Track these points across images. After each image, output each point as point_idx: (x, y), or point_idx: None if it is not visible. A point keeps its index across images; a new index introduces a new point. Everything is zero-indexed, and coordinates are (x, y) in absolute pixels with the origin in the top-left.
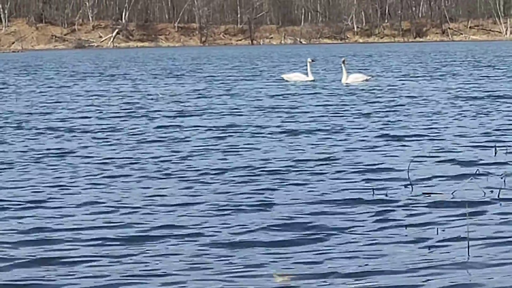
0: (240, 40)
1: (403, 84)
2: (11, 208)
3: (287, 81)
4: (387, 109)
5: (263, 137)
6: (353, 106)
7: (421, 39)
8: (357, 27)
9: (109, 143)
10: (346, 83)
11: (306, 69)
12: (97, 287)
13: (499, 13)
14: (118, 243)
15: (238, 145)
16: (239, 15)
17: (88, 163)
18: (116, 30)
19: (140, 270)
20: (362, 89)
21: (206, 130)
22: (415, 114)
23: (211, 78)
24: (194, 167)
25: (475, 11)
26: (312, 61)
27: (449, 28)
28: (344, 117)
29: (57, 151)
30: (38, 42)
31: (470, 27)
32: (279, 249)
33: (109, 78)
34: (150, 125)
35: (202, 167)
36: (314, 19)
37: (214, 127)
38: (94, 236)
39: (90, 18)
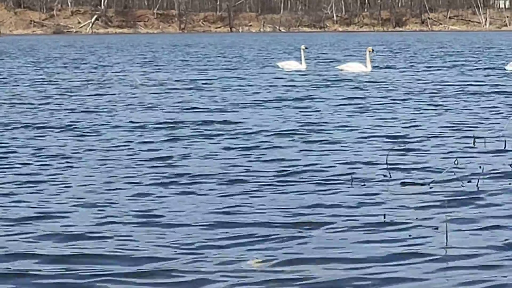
0: (219, 27)
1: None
2: None
3: (281, 68)
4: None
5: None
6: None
7: (400, 29)
8: (337, 16)
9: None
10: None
11: (300, 57)
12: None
13: (479, 3)
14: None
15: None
16: (218, 2)
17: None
18: (95, 16)
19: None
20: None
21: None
22: (393, 105)
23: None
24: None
25: (454, 2)
26: (306, 48)
27: (428, 18)
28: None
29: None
30: (17, 27)
31: (449, 17)
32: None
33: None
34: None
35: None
36: (294, 7)
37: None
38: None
39: (69, 4)
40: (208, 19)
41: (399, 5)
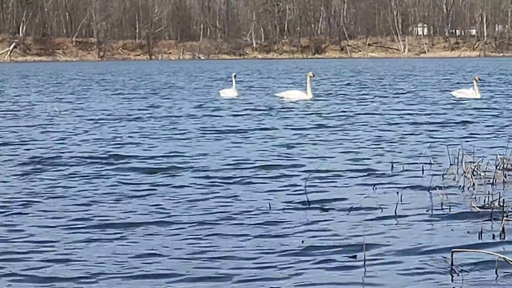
0: (138, 55)
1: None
2: None
3: (283, 99)
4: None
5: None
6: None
7: (320, 56)
8: (256, 43)
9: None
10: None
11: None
12: None
13: (397, 30)
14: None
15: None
16: (137, 30)
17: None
18: (13, 44)
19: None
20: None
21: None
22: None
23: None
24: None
25: (373, 29)
26: (313, 75)
27: (347, 45)
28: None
29: None
30: None
31: (368, 44)
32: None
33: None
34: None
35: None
36: (213, 35)
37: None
38: None
39: None
40: (127, 46)
41: (318, 32)
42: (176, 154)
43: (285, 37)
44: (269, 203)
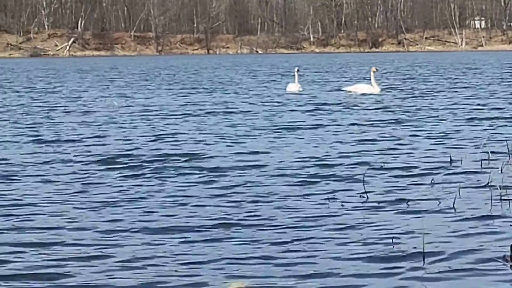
0: (196, 49)
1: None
2: None
3: (350, 93)
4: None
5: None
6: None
7: (377, 49)
8: (313, 37)
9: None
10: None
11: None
12: None
13: (455, 24)
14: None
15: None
16: (195, 25)
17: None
18: (72, 39)
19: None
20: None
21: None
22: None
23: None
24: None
25: (431, 22)
26: (376, 70)
27: (404, 38)
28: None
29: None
30: None
31: (426, 38)
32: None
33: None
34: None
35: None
36: (271, 29)
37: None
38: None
39: (46, 27)
40: (185, 41)
41: (376, 26)
42: (249, 152)
43: (342, 31)
44: (328, 197)
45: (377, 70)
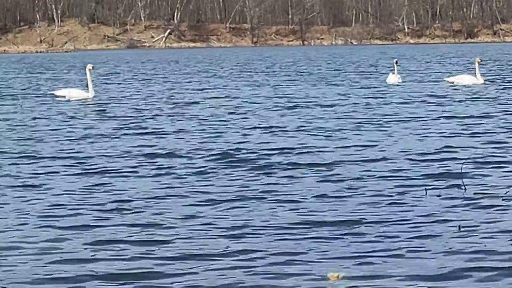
0: (291, 40)
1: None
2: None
3: (452, 84)
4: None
5: None
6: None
7: (472, 40)
8: (408, 28)
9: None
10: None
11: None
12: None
13: None
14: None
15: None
16: (290, 16)
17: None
18: (168, 31)
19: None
20: None
21: None
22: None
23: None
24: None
25: None
26: (481, 61)
27: (500, 29)
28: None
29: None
30: (90, 42)
31: None
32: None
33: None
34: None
35: None
36: (365, 20)
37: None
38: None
39: (142, 18)
40: (280, 32)
41: (471, 16)
42: (354, 145)
43: (437, 21)
44: (425, 189)
45: (481, 61)
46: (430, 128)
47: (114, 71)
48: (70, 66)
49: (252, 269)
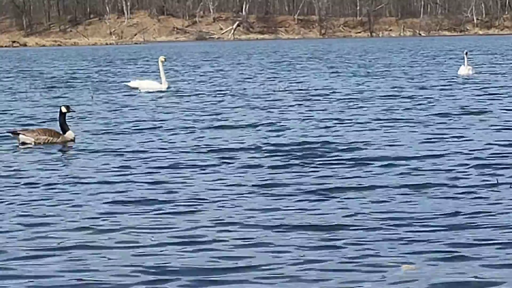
0: (359, 32)
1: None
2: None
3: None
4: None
5: None
6: None
7: None
8: (477, 19)
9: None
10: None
11: None
12: None
13: None
14: None
15: None
16: (358, 7)
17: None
18: (237, 23)
19: None
20: None
21: None
22: None
23: None
24: None
25: None
26: None
27: None
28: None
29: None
30: (160, 34)
31: None
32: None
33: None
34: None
35: None
36: (434, 11)
37: None
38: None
39: (211, 11)
40: (348, 24)
41: None
42: (426, 139)
43: (506, 12)
44: (497, 180)
45: None
46: (504, 121)
47: (184, 63)
48: (141, 58)
49: (342, 259)
